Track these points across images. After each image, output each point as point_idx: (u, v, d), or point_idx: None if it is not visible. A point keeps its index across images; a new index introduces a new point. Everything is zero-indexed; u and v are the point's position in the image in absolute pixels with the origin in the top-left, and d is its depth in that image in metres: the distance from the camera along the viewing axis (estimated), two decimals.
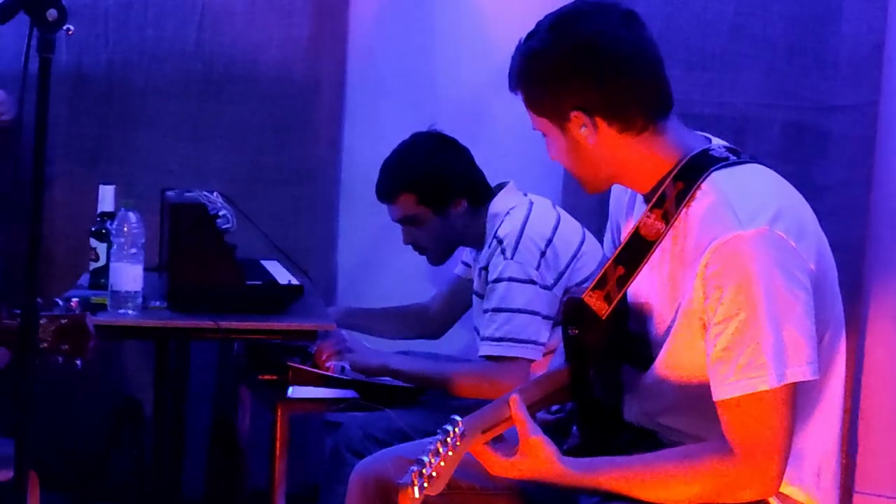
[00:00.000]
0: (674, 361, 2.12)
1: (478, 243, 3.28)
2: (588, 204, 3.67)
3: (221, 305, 3.02)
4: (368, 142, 4.07)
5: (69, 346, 2.29)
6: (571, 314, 2.21)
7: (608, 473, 2.09)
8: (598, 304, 2.17)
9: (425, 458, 2.01)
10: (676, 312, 2.09)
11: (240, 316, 3.01)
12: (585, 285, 2.25)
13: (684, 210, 2.08)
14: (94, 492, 3.79)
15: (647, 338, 2.19)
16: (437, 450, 2.03)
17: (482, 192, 3.26)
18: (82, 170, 3.98)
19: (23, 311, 2.05)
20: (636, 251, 2.14)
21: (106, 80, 4.03)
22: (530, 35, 2.16)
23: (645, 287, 2.18)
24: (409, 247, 3.43)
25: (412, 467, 2.00)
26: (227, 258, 3.08)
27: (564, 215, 3.20)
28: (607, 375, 2.23)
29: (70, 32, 2.05)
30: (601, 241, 3.14)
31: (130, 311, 2.99)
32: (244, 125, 4.06)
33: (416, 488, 1.98)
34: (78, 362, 2.28)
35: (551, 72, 2.11)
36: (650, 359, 2.17)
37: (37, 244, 2.01)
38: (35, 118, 2.04)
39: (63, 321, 2.28)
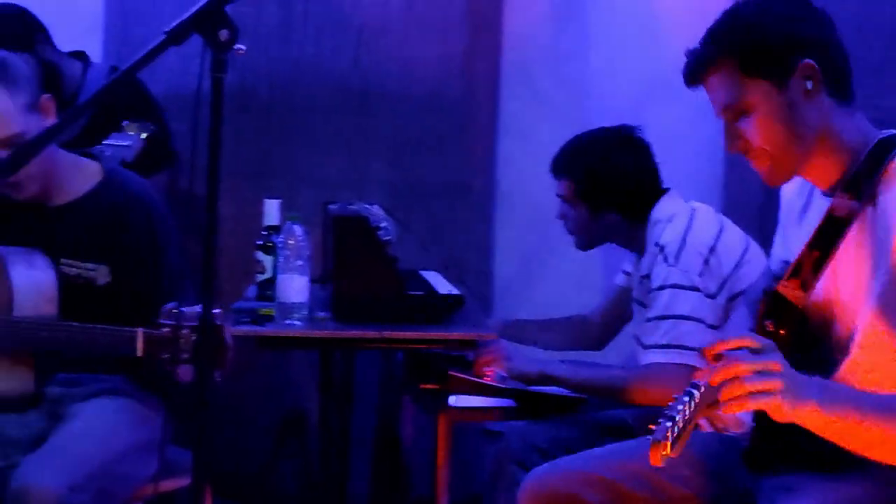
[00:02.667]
0: (871, 345, 2.07)
1: (637, 249, 3.27)
2: (748, 212, 3.64)
3: (384, 315, 3.07)
4: (523, 153, 4.10)
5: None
6: (768, 307, 2.17)
7: (873, 400, 2.01)
8: (795, 294, 2.13)
9: (676, 416, 1.92)
10: (871, 295, 2.06)
11: (402, 326, 3.06)
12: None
13: (879, 186, 2.07)
14: (262, 500, 3.88)
15: (831, 338, 2.15)
16: (685, 411, 1.93)
17: (641, 211, 3.21)
18: (245, 184, 4.10)
19: (200, 325, 2.10)
20: (830, 233, 2.12)
21: (267, 97, 4.15)
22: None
23: (836, 277, 2.15)
24: (567, 257, 3.44)
25: (665, 423, 1.91)
26: (390, 269, 3.13)
27: (727, 222, 3.16)
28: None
29: (241, 52, 2.12)
30: (765, 250, 3.11)
31: (297, 322, 3.05)
32: (401, 139, 4.14)
33: (669, 444, 1.90)
34: (217, 374, 2.33)
35: (784, 17, 2.14)
36: (834, 363, 2.13)
37: (212, 259, 2.07)
38: (209, 137, 2.12)
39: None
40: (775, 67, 2.11)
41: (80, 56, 4.07)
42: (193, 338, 2.36)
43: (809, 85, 2.11)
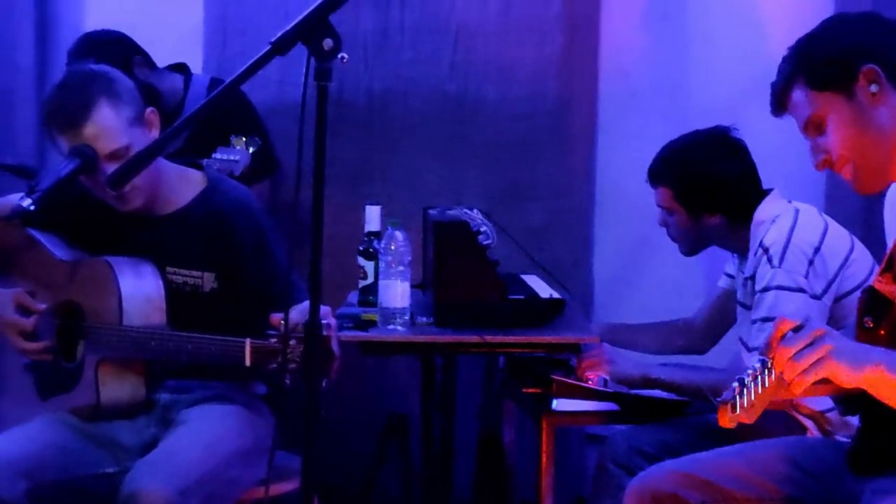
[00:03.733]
0: None
1: (740, 251, 3.24)
2: (851, 212, 3.58)
3: (485, 320, 3.09)
4: (622, 154, 4.09)
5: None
6: (865, 304, 2.17)
7: None
8: (889, 288, 2.12)
9: (746, 380, 1.99)
10: None
11: (504, 330, 3.06)
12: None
13: None
14: None
15: None
16: (757, 376, 2.00)
17: (744, 211, 3.18)
18: (344, 191, 4.12)
19: (307, 332, 2.12)
20: None
21: (366, 103, 4.18)
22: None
23: None
24: (668, 260, 3.41)
25: (733, 384, 1.99)
26: (491, 273, 3.14)
27: (832, 222, 3.11)
28: None
29: (344, 61, 2.14)
30: (870, 249, 3.06)
31: (399, 328, 3.08)
32: (498, 143, 4.14)
33: (736, 406, 1.96)
34: (324, 382, 2.34)
35: (843, 31, 2.29)
36: None
37: (318, 269, 2.08)
38: (314, 145, 2.14)
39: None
40: (838, 77, 2.24)
41: (181, 69, 4.13)
42: (300, 348, 2.39)
43: (874, 88, 2.22)
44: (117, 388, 2.83)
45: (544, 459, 3.09)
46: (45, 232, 2.95)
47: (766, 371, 2.01)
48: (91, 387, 2.80)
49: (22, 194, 2.75)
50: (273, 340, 2.51)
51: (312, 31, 2.10)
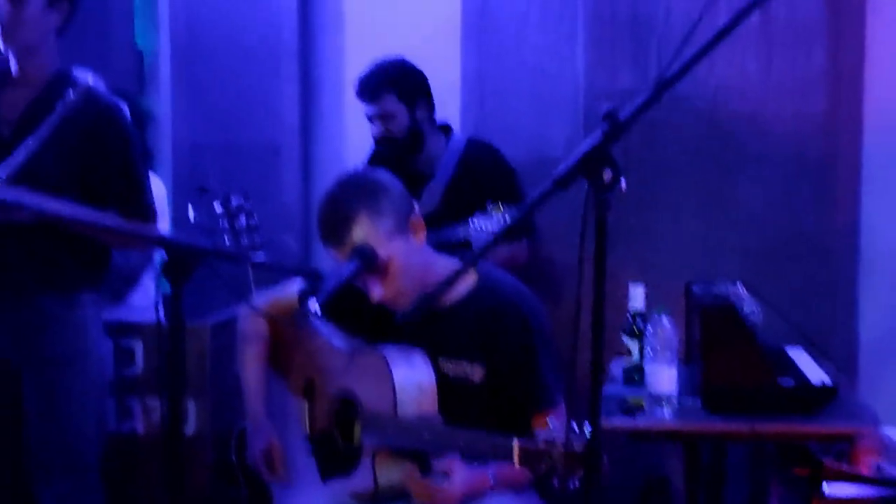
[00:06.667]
0: None
1: None
2: None
3: (755, 405, 3.05)
4: (889, 213, 3.97)
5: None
6: None
7: None
8: None
9: None
10: None
11: (773, 417, 3.03)
12: None
13: None
14: None
15: None
16: None
17: None
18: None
19: (587, 451, 2.15)
20: None
21: (622, 162, 4.15)
22: None
23: None
24: None
25: None
26: (760, 359, 3.09)
27: None
28: None
29: (624, 189, 2.15)
30: None
31: (667, 412, 3.08)
32: (758, 201, 4.09)
33: None
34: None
35: None
36: None
37: (597, 399, 2.10)
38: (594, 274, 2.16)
39: (577, 450, 2.36)
40: None
41: (446, 130, 4.21)
42: (568, 454, 2.41)
43: None
44: (393, 472, 2.92)
45: None
46: (324, 321, 3.07)
47: None
48: (369, 472, 2.90)
49: (301, 285, 2.89)
50: (542, 446, 2.52)
51: (593, 164, 2.12)
